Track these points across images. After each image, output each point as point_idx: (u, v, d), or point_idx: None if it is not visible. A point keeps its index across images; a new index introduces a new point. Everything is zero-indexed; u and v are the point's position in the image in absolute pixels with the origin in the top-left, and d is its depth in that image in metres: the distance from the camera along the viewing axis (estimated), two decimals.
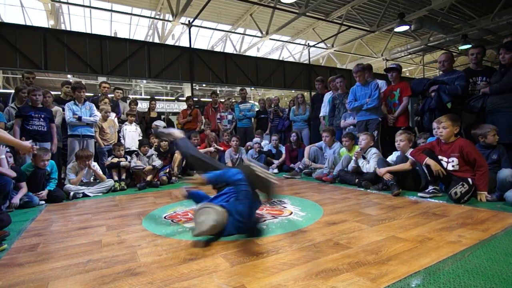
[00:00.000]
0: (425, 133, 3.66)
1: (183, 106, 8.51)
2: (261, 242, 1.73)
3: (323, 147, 4.68)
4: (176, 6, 8.22)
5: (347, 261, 1.40)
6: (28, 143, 2.43)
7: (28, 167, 3.39)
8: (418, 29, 9.95)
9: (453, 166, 2.75)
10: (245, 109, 6.27)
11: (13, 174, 2.87)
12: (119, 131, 5.07)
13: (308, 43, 11.56)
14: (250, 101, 7.05)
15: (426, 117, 3.72)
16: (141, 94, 15.34)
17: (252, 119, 6.59)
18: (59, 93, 5.24)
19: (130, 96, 13.25)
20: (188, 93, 9.84)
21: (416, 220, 2.05)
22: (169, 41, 11.15)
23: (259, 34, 10.27)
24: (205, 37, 12.78)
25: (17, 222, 2.47)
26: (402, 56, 13.80)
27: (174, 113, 8.69)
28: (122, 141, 4.97)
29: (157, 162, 4.47)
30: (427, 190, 2.83)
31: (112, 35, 10.70)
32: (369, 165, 3.56)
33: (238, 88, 6.91)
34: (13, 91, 5.32)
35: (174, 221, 2.33)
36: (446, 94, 3.47)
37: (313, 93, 8.71)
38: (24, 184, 3.17)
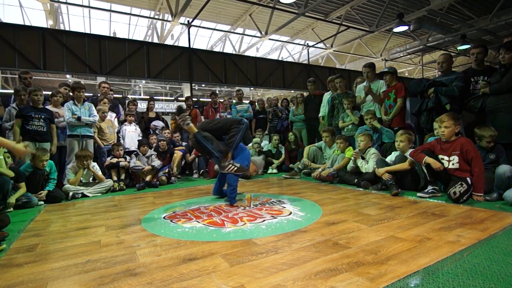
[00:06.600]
0: (430, 134, 3.64)
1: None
2: (261, 242, 1.73)
3: (323, 147, 4.68)
4: (175, 6, 8.22)
5: (346, 261, 1.41)
6: (22, 146, 2.20)
7: (27, 168, 3.39)
8: (417, 29, 9.99)
9: (453, 164, 2.76)
10: (242, 110, 6.25)
11: (11, 174, 2.88)
12: (118, 131, 5.06)
13: (307, 43, 11.56)
14: (245, 102, 7.00)
15: (424, 117, 3.72)
16: (140, 94, 15.32)
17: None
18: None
19: (129, 96, 13.23)
20: (187, 93, 9.83)
21: (415, 220, 2.05)
22: (168, 41, 11.15)
23: (258, 34, 10.28)
24: (204, 37, 12.80)
25: (16, 222, 2.46)
26: (401, 56, 13.82)
27: (174, 113, 8.69)
28: (121, 141, 4.97)
29: (156, 162, 4.46)
30: (426, 190, 2.83)
31: (111, 35, 10.69)
32: (368, 165, 3.57)
33: (237, 88, 6.89)
34: (12, 91, 5.28)
35: (173, 221, 2.33)
36: (444, 95, 3.48)
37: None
38: (23, 185, 3.17)
